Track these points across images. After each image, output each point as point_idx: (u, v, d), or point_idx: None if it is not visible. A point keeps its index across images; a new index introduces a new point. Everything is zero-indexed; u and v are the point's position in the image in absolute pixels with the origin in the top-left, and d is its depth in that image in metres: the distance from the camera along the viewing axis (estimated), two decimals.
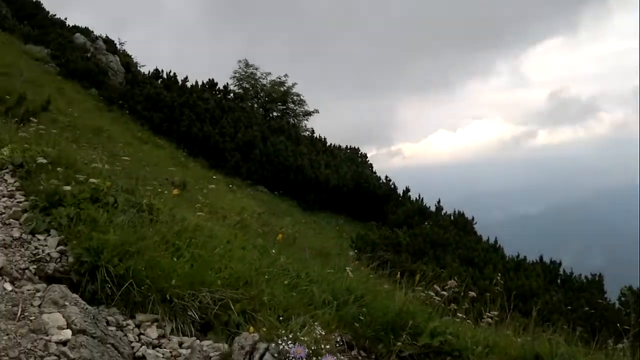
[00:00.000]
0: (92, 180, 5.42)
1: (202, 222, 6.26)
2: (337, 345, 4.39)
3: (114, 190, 5.52)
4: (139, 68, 33.41)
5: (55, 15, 35.25)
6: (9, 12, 30.17)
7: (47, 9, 35.49)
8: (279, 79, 38.47)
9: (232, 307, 4.61)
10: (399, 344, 4.84)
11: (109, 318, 4.05)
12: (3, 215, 5.12)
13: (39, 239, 4.70)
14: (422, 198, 26.96)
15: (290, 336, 3.82)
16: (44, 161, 5.94)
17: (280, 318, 4.27)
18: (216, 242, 5.63)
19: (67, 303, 3.81)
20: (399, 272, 6.61)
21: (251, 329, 4.02)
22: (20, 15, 31.64)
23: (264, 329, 3.99)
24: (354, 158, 32.90)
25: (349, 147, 34.89)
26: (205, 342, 4.19)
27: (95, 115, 20.36)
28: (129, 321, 4.13)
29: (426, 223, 22.65)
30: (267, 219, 12.99)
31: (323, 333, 4.04)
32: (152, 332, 4.11)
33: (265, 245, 6.36)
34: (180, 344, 4.11)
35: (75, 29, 33.00)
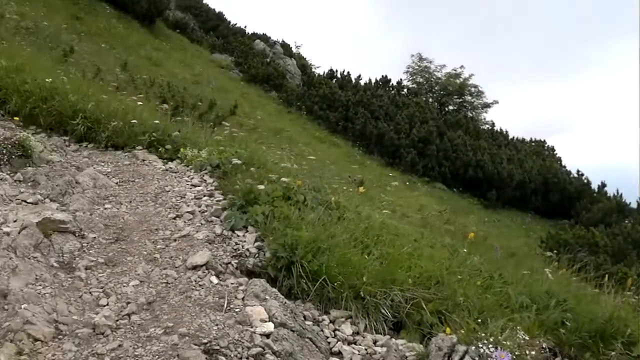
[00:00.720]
0: (283, 179, 5.74)
1: (387, 219, 6.31)
2: (541, 351, 4.13)
3: (302, 189, 5.79)
4: (313, 69, 34.92)
5: (236, 24, 38.26)
6: (196, 25, 33.29)
7: (228, 19, 38.69)
8: (454, 70, 37.57)
9: (425, 307, 4.57)
10: (612, 353, 4.44)
11: (305, 313, 4.25)
12: (205, 213, 5.64)
13: (238, 235, 5.09)
14: (621, 194, 24.44)
15: (491, 340, 3.68)
16: (239, 162, 6.44)
17: (478, 320, 4.14)
18: (403, 240, 5.64)
19: (267, 297, 4.07)
20: (606, 275, 6.07)
21: (448, 330, 3.96)
22: (206, 27, 34.79)
23: (462, 331, 3.90)
24: (540, 151, 30.93)
25: (533, 139, 32.95)
26: (400, 341, 4.21)
27: (276, 117, 21.69)
28: (324, 317, 4.30)
29: (626, 221, 20.51)
30: (449, 217, 12.79)
31: (527, 338, 3.84)
32: (347, 329, 4.23)
33: (455, 244, 6.22)
34: (375, 342, 4.18)
35: (255, 35, 35.51)
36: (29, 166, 6.79)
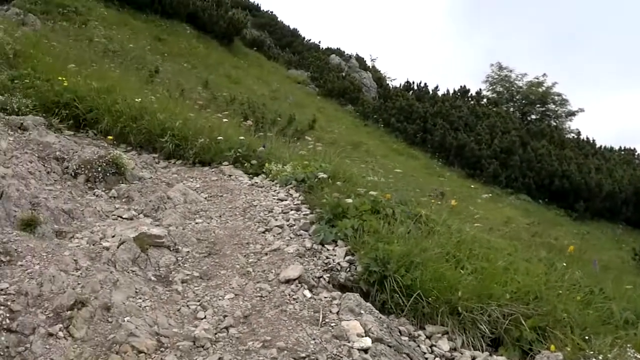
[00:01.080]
0: (371, 192, 5.73)
1: (478, 233, 6.15)
2: None
3: (390, 202, 5.75)
4: (389, 82, 34.89)
5: (310, 40, 38.88)
6: (272, 42, 34.04)
7: (302, 35, 39.35)
8: (537, 79, 36.49)
9: (524, 323, 4.40)
10: None
11: (401, 328, 4.19)
12: (294, 227, 5.71)
13: (328, 249, 5.11)
14: None
15: (600, 357, 3.50)
16: (324, 176, 6.47)
17: (583, 337, 3.95)
18: (497, 254, 5.47)
19: (362, 311, 4.04)
20: None
21: (552, 347, 3.79)
22: (281, 44, 35.53)
23: (568, 348, 3.73)
24: (630, 160, 29.46)
25: (622, 148, 31.41)
26: (499, 358, 4.08)
27: (353, 131, 21.79)
28: (420, 332, 4.22)
29: None
30: (537, 230, 12.34)
31: (638, 356, 3.63)
32: (444, 345, 4.14)
33: (551, 258, 5.98)
34: (473, 359, 4.06)
35: (329, 50, 35.92)
36: (122, 183, 7.13)
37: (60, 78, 9.42)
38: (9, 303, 3.88)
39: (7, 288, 4.08)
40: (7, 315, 3.74)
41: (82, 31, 15.40)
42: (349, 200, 5.51)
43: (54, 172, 6.99)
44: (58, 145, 7.55)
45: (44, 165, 7.03)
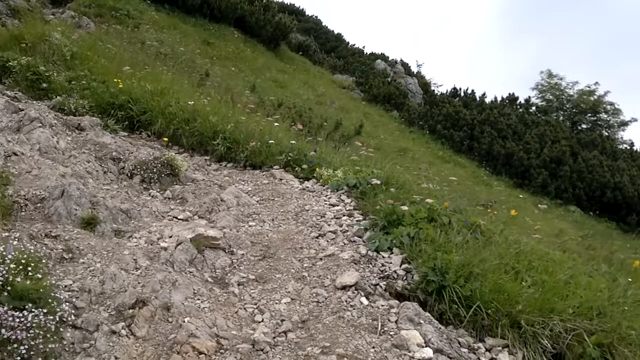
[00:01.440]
0: (427, 200, 5.68)
1: (536, 244, 6.02)
2: None
3: (446, 211, 5.68)
4: (435, 88, 34.60)
5: (354, 45, 38.87)
6: (317, 47, 34.17)
7: (347, 40, 39.39)
8: (588, 87, 35.66)
9: (587, 339, 4.29)
10: None
11: (460, 339, 4.13)
12: (347, 233, 5.70)
13: (383, 257, 5.08)
14: None
15: None
16: (378, 182, 6.45)
17: None
18: (556, 267, 5.34)
19: (421, 321, 4.01)
20: None
21: None
22: (325, 49, 35.63)
23: None
24: None
25: None
26: None
27: (398, 137, 21.68)
28: (479, 344, 4.16)
29: None
30: (591, 243, 11.99)
31: None
32: (504, 358, 4.07)
33: (613, 273, 5.81)
34: None
35: (373, 55, 35.88)
36: (176, 184, 7.26)
37: (115, 80, 9.68)
38: (73, 300, 3.99)
39: (71, 285, 4.20)
40: (72, 311, 3.84)
41: (135, 34, 15.77)
42: (405, 208, 5.47)
43: (110, 172, 7.18)
44: (114, 145, 7.74)
45: (100, 165, 7.23)
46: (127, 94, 9.35)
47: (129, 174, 7.18)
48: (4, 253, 3.83)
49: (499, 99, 29.92)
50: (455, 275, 4.45)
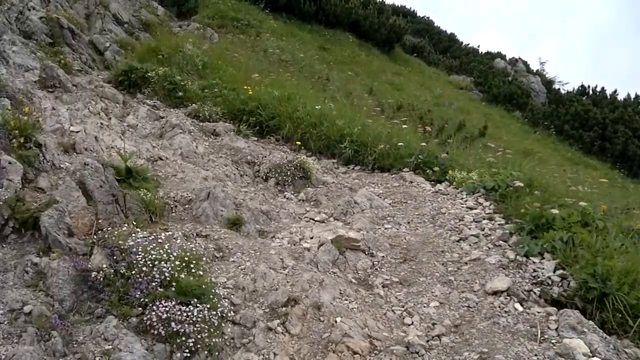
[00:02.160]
0: (581, 203, 5.41)
1: None
2: None
3: (600, 214, 5.38)
4: (559, 86, 32.91)
5: (468, 44, 37.92)
6: (431, 48, 33.68)
7: (460, 40, 38.49)
8: None
9: None
10: None
11: (627, 350, 3.88)
12: (490, 237, 5.55)
13: (533, 262, 4.89)
14: None
15: None
16: (521, 184, 6.23)
17: None
18: None
19: (585, 330, 3.81)
20: None
21: None
22: (438, 49, 35.01)
23: None
24: None
25: None
26: None
27: (521, 138, 20.82)
28: None
29: None
30: None
31: None
32: None
33: None
34: None
35: (489, 54, 34.77)
36: (309, 187, 7.43)
37: (245, 87, 10.10)
38: (230, 296, 4.19)
39: (226, 282, 4.41)
40: (231, 307, 4.03)
41: (257, 42, 16.38)
42: (555, 211, 5.23)
43: (246, 175, 7.49)
44: (248, 150, 8.08)
45: (237, 169, 7.56)
46: (256, 100, 9.73)
47: (264, 177, 7.46)
48: (169, 251, 4.11)
49: (633, 96, 27.89)
50: (618, 283, 4.20)
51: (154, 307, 3.66)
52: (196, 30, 16.39)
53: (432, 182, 7.61)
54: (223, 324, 3.86)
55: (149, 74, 9.93)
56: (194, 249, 4.42)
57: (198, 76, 10.87)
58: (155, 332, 3.59)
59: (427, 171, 7.81)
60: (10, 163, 4.92)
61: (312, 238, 5.49)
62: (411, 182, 7.63)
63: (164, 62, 10.76)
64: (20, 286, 3.77)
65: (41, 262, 3.94)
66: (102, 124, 7.48)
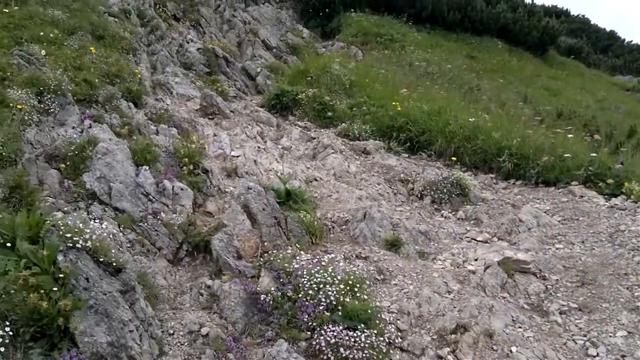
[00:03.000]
0: None
1: None
2: None
3: None
4: None
5: (631, 41, 35.06)
6: (589, 48, 31.59)
7: (621, 37, 35.70)
8: None
9: None
10: None
11: None
12: None
13: None
14: None
15: None
16: None
17: None
18: None
19: None
20: None
21: None
22: (596, 48, 32.71)
23: None
24: None
25: None
26: None
27: None
28: None
29: None
30: None
31: None
32: None
33: None
34: None
35: None
36: (467, 204, 7.20)
37: (393, 103, 10.09)
38: (396, 322, 4.14)
39: (389, 306, 4.37)
40: (398, 333, 3.98)
41: (402, 56, 16.37)
42: None
43: (400, 193, 7.44)
44: (400, 167, 8.04)
45: (390, 187, 7.53)
46: (405, 115, 9.67)
47: (418, 195, 7.36)
48: (333, 274, 4.16)
49: None
50: None
51: (322, 331, 3.71)
52: (341, 49, 16.77)
53: (606, 196, 7.03)
54: (391, 351, 3.82)
55: (299, 96, 10.29)
56: (356, 271, 4.43)
57: (346, 95, 11.06)
58: (325, 357, 3.63)
59: (600, 184, 7.24)
60: (182, 189, 5.30)
61: (476, 260, 5.30)
62: (581, 196, 7.11)
63: (313, 84, 11.10)
64: (197, 308, 4.01)
65: (214, 285, 4.18)
66: (259, 147, 7.85)
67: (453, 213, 6.96)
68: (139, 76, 8.76)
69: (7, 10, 8.78)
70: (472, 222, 6.68)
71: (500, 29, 22.89)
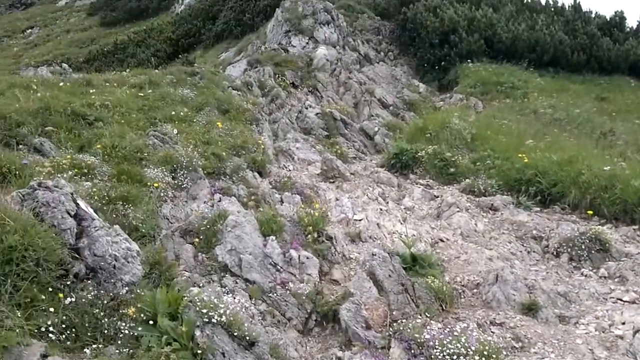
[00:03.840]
0: None
1: None
2: None
3: None
4: None
5: None
6: None
7: None
8: None
9: None
10: None
11: None
12: None
13: None
14: None
15: None
16: None
17: None
18: None
19: None
20: None
21: None
22: None
23: None
24: None
25: None
26: None
27: None
28: None
29: None
30: None
31: None
32: None
33: None
34: None
35: None
36: (609, 260, 6.76)
37: (519, 155, 9.82)
38: None
39: None
40: None
41: (525, 104, 15.95)
42: None
43: (533, 251, 7.15)
44: (531, 223, 7.74)
45: (522, 245, 7.26)
46: (533, 167, 9.35)
47: (554, 253, 7.02)
48: (467, 344, 4.05)
49: None
50: None
51: None
52: (459, 102, 16.67)
53: None
54: None
55: (419, 154, 10.32)
56: (491, 340, 4.28)
57: (468, 149, 10.92)
58: None
59: None
60: (307, 258, 5.45)
61: (623, 323, 4.94)
62: None
63: (432, 140, 11.09)
64: None
65: (344, 356, 4.21)
66: (381, 209, 7.92)
67: (594, 271, 6.56)
68: (263, 146, 9.23)
69: (142, 94, 9.69)
70: (616, 280, 6.26)
71: (631, 66, 21.78)
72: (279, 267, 5.29)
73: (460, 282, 5.93)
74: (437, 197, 8.73)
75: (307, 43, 18.06)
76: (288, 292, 5.03)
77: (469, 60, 19.09)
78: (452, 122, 11.70)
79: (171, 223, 6.03)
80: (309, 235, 5.92)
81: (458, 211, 7.97)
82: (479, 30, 19.74)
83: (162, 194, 6.32)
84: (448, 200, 8.20)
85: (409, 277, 5.39)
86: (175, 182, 6.78)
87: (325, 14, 18.87)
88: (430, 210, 8.30)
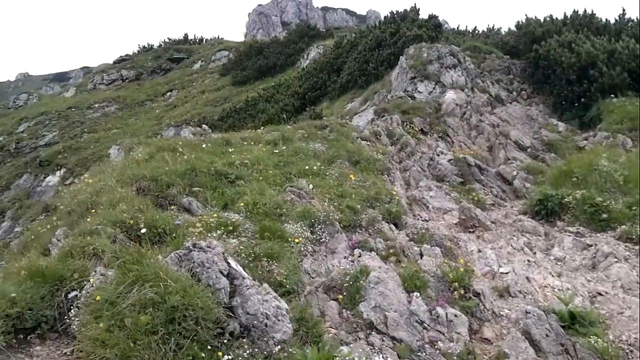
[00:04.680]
0: None
1: None
2: None
3: None
4: None
5: None
6: None
7: None
8: None
9: None
10: None
11: None
12: None
13: None
14: None
15: None
16: None
17: None
18: None
19: None
20: None
21: None
22: None
23: None
24: None
25: None
26: None
27: None
28: None
29: None
30: None
31: None
32: None
33: None
34: None
35: None
36: None
37: None
38: None
39: None
40: None
41: None
42: None
43: None
44: None
45: None
46: None
47: None
48: None
49: None
50: None
51: None
52: (605, 140, 15.68)
53: None
54: None
55: (565, 200, 9.75)
56: None
57: (621, 192, 10.16)
58: None
59: None
60: (455, 315, 5.25)
61: None
62: None
63: (579, 184, 10.45)
64: None
65: None
66: (528, 260, 7.52)
67: None
68: (397, 197, 9.17)
69: (277, 150, 10.05)
70: None
71: None
72: (426, 325, 5.13)
73: (627, 341, 5.44)
74: (591, 246, 8.14)
75: (434, 88, 17.92)
76: (438, 351, 4.85)
77: (612, 95, 17.97)
78: (600, 163, 10.98)
79: (312, 278, 6.10)
80: (455, 292, 5.71)
81: (616, 261, 7.38)
82: (621, 62, 18.60)
83: (302, 249, 6.43)
84: (604, 250, 7.62)
85: (568, 336, 5.02)
86: (314, 236, 6.87)
87: (451, 57, 18.68)
88: (584, 260, 7.75)
